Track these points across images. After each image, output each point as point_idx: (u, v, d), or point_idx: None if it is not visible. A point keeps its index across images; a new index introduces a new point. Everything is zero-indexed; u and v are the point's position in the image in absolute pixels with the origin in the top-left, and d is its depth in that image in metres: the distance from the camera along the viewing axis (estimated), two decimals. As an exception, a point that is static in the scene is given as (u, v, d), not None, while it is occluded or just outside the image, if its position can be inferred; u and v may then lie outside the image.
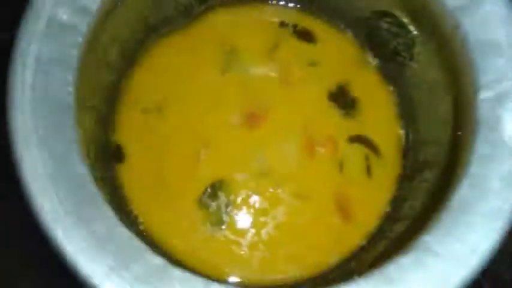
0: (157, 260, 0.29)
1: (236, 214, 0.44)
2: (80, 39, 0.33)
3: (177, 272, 0.29)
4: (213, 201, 0.44)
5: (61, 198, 0.29)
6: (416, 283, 0.30)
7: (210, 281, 0.30)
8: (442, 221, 0.32)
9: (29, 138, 0.29)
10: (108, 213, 0.30)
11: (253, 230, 0.44)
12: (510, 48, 0.35)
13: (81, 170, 0.30)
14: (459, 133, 0.37)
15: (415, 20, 0.43)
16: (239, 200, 0.44)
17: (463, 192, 0.32)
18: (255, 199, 0.44)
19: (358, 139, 0.47)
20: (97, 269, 0.28)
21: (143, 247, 0.29)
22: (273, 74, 0.48)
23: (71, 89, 0.32)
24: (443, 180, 0.37)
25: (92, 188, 0.30)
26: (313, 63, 0.49)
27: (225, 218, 0.44)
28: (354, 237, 0.44)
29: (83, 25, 0.33)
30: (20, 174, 0.29)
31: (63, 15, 0.32)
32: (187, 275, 0.29)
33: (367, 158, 0.46)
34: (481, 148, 0.33)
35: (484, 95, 0.35)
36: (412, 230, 0.36)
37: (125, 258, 0.28)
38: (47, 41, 0.32)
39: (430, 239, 0.32)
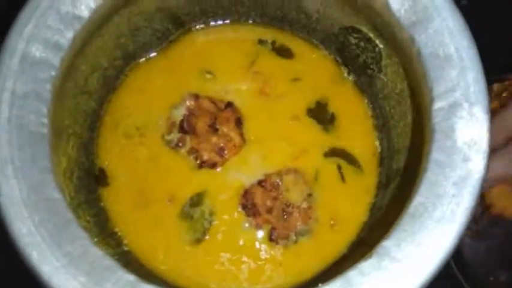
0: (129, 276, 0.31)
1: (218, 226, 0.45)
2: (53, 73, 0.35)
3: (148, 287, 0.31)
4: (195, 212, 0.46)
5: (36, 222, 0.31)
6: (376, 287, 0.32)
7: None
8: (400, 226, 0.34)
9: (5, 168, 0.31)
10: (82, 235, 0.32)
11: (236, 242, 0.45)
12: (461, 61, 0.37)
13: (56, 195, 0.32)
14: (419, 141, 0.39)
15: (380, 35, 0.45)
16: (221, 212, 0.46)
17: (419, 197, 0.34)
18: (237, 212, 0.46)
19: (335, 152, 0.49)
20: (70, 287, 0.29)
21: (115, 265, 0.31)
22: (252, 90, 0.50)
23: (45, 120, 0.34)
24: (407, 186, 0.39)
25: (67, 213, 0.32)
26: (294, 79, 0.50)
27: (207, 228, 0.45)
28: (336, 245, 0.46)
29: (56, 60, 0.35)
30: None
31: (36, 51, 0.34)
32: (158, 289, 0.31)
33: (339, 168, 0.47)
34: (436, 154, 0.35)
35: (438, 104, 0.36)
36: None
37: (97, 276, 0.30)
38: (21, 77, 0.34)
39: (389, 244, 0.33)
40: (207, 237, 0.45)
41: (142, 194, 0.46)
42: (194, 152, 0.47)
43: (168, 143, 0.47)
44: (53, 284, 0.30)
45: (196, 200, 0.46)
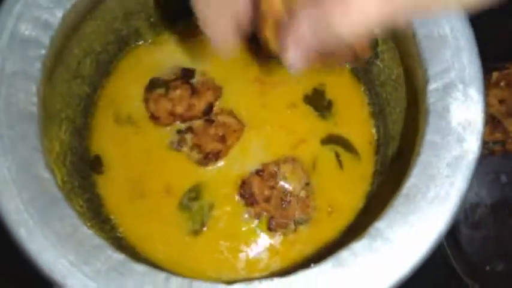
0: (118, 256, 0.31)
1: (217, 216, 0.45)
2: (43, 52, 0.34)
3: (138, 267, 0.31)
4: (194, 204, 0.45)
5: (24, 200, 0.30)
6: (368, 267, 0.32)
7: (171, 274, 0.31)
8: (393, 207, 0.33)
9: (-6, 146, 0.31)
10: (71, 214, 0.31)
11: (236, 232, 0.45)
12: (455, 40, 0.36)
13: (46, 174, 0.32)
14: (414, 125, 0.38)
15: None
16: (220, 203, 0.45)
17: (413, 179, 0.34)
18: (236, 200, 0.46)
19: (333, 139, 0.48)
20: (59, 265, 0.29)
21: (105, 244, 0.31)
22: (248, 77, 0.49)
23: (35, 99, 0.33)
24: (402, 171, 0.39)
25: (56, 192, 0.32)
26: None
27: (206, 219, 0.45)
28: (334, 232, 0.46)
29: (46, 38, 0.35)
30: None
31: (25, 30, 0.34)
32: (148, 268, 0.31)
33: (337, 155, 0.47)
34: (431, 136, 0.35)
35: (433, 85, 0.36)
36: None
37: (86, 254, 0.30)
38: (10, 55, 0.33)
39: (381, 225, 0.33)
40: (205, 228, 0.45)
41: (138, 184, 0.45)
42: (196, 147, 0.46)
43: (170, 145, 0.47)
44: (41, 262, 0.29)
45: (195, 192, 0.46)
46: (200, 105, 0.47)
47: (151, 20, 0.49)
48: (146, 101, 0.47)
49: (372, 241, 0.32)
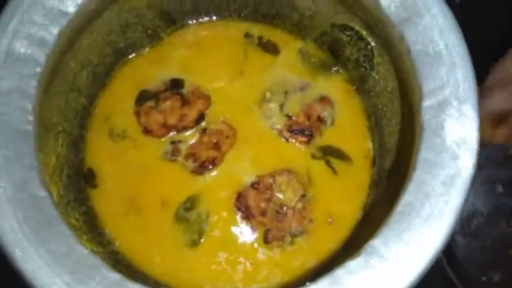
0: (114, 275, 0.31)
1: (215, 226, 0.45)
2: (39, 70, 0.34)
3: (134, 286, 0.31)
4: (191, 214, 0.45)
5: (20, 220, 0.30)
6: (364, 285, 0.32)
7: (167, 293, 0.31)
8: (388, 225, 0.33)
9: (-11, 166, 0.31)
10: (67, 233, 0.31)
11: (232, 244, 0.45)
12: (450, 57, 0.36)
13: (41, 193, 0.32)
14: (410, 140, 0.39)
15: (372, 32, 0.44)
16: (217, 213, 0.45)
17: (407, 196, 0.34)
18: (233, 210, 0.45)
19: (327, 150, 0.48)
20: (54, 285, 0.29)
21: (100, 263, 0.31)
22: (239, 88, 0.49)
23: (31, 117, 0.33)
24: (397, 185, 0.39)
25: (52, 210, 0.32)
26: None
27: (204, 228, 0.45)
28: (331, 243, 0.45)
29: (41, 56, 0.35)
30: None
31: (21, 48, 0.34)
32: (144, 288, 0.31)
33: (328, 162, 0.47)
34: (425, 153, 0.35)
35: (428, 102, 0.36)
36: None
37: (82, 275, 0.30)
38: (6, 73, 0.33)
39: (377, 242, 0.33)
40: (202, 239, 0.45)
41: (134, 199, 0.45)
42: (191, 156, 0.46)
43: (164, 156, 0.47)
44: (36, 283, 0.29)
45: (190, 204, 0.45)
46: (192, 114, 0.47)
47: (149, 32, 0.49)
48: (137, 114, 0.47)
49: (368, 259, 0.32)
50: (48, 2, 0.35)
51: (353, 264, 0.33)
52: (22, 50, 0.34)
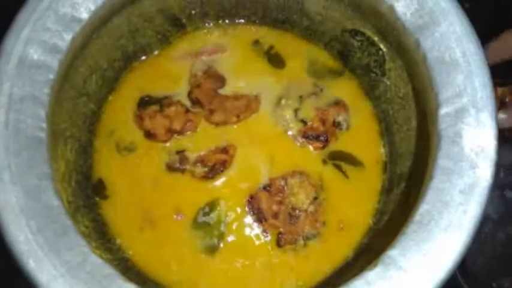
0: (129, 285, 0.30)
1: (231, 230, 0.45)
2: (52, 77, 0.34)
3: (149, 297, 0.30)
4: (209, 219, 0.45)
5: (34, 230, 0.30)
6: (382, 297, 0.31)
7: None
8: (406, 234, 0.33)
9: (2, 174, 0.31)
10: (81, 243, 0.31)
11: (248, 246, 0.44)
12: (468, 65, 0.36)
13: (55, 202, 0.31)
14: (425, 147, 0.38)
15: (384, 38, 0.44)
16: (233, 223, 0.45)
17: (425, 205, 0.33)
18: (245, 218, 0.45)
19: (340, 155, 0.48)
20: (69, 297, 0.29)
21: (115, 273, 0.30)
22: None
23: (44, 124, 0.33)
24: (413, 193, 0.38)
25: (65, 220, 0.31)
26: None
27: (224, 231, 0.44)
28: (344, 247, 0.45)
29: (54, 63, 0.34)
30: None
31: (34, 54, 0.34)
32: (158, 298, 0.31)
33: (339, 167, 0.47)
34: (443, 161, 0.34)
35: (445, 110, 0.36)
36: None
37: (97, 286, 0.30)
38: (19, 80, 0.33)
39: (394, 252, 0.33)
40: (221, 244, 0.44)
41: (147, 213, 0.45)
42: (200, 162, 0.46)
43: (171, 166, 0.46)
44: (50, 294, 0.29)
45: (205, 211, 0.45)
46: (196, 121, 0.47)
47: (158, 36, 0.49)
48: (140, 118, 0.47)
49: (386, 269, 0.32)
50: (61, 9, 0.34)
51: (371, 275, 0.32)
52: (35, 56, 0.34)
